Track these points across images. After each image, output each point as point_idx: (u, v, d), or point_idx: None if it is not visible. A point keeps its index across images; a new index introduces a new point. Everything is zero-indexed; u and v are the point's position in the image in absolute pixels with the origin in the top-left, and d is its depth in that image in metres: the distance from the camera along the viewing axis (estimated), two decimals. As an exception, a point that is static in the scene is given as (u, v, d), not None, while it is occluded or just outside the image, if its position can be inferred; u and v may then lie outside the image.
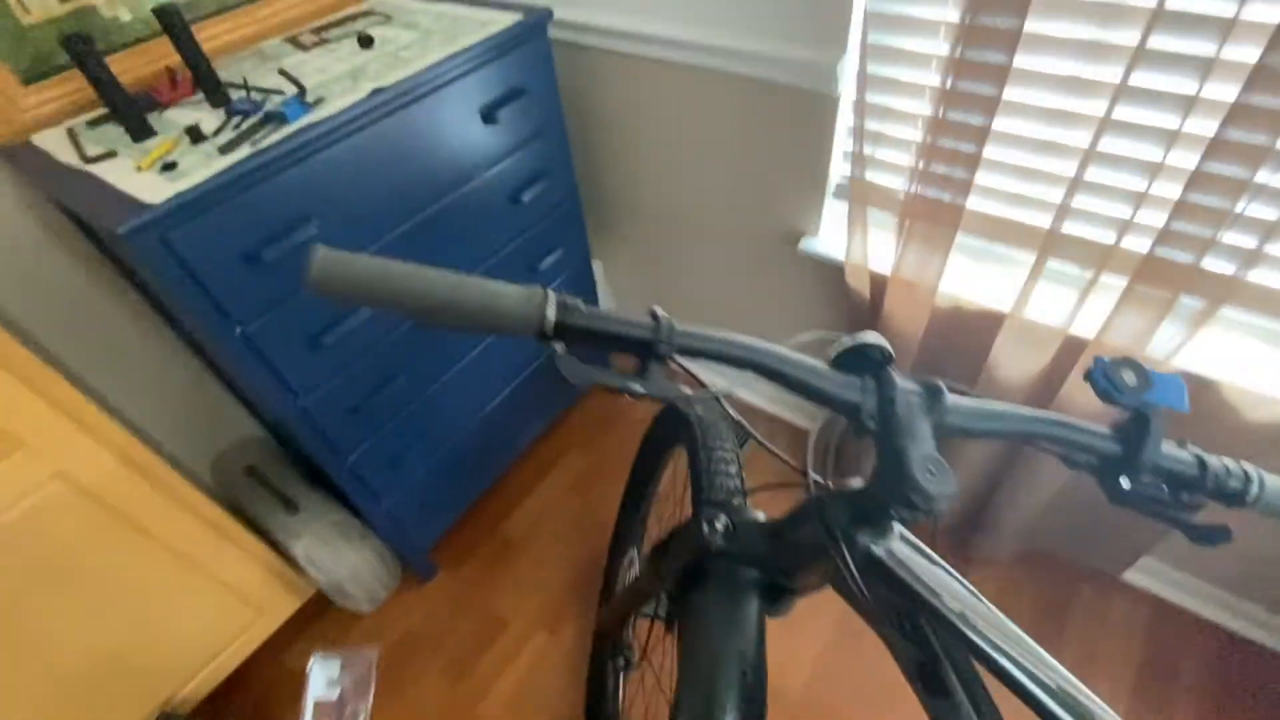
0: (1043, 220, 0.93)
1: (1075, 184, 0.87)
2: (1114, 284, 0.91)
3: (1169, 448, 0.45)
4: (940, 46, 0.90)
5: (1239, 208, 0.77)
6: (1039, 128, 0.88)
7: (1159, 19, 0.72)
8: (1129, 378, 0.45)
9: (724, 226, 1.41)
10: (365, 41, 1.04)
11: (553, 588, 1.43)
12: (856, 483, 0.48)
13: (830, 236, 1.25)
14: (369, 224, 0.99)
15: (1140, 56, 0.75)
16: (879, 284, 1.16)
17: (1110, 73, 0.80)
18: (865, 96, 0.95)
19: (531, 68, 1.13)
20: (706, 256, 1.51)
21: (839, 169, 1.18)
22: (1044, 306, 0.99)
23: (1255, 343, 0.92)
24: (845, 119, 1.11)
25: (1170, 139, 0.78)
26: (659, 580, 0.71)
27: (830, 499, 0.48)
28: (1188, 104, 0.75)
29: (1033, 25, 0.81)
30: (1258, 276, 0.82)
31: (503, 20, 1.06)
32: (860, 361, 0.46)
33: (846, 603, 0.55)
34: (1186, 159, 0.78)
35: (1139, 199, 0.83)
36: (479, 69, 1.03)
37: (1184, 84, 0.77)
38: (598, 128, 1.43)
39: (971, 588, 0.46)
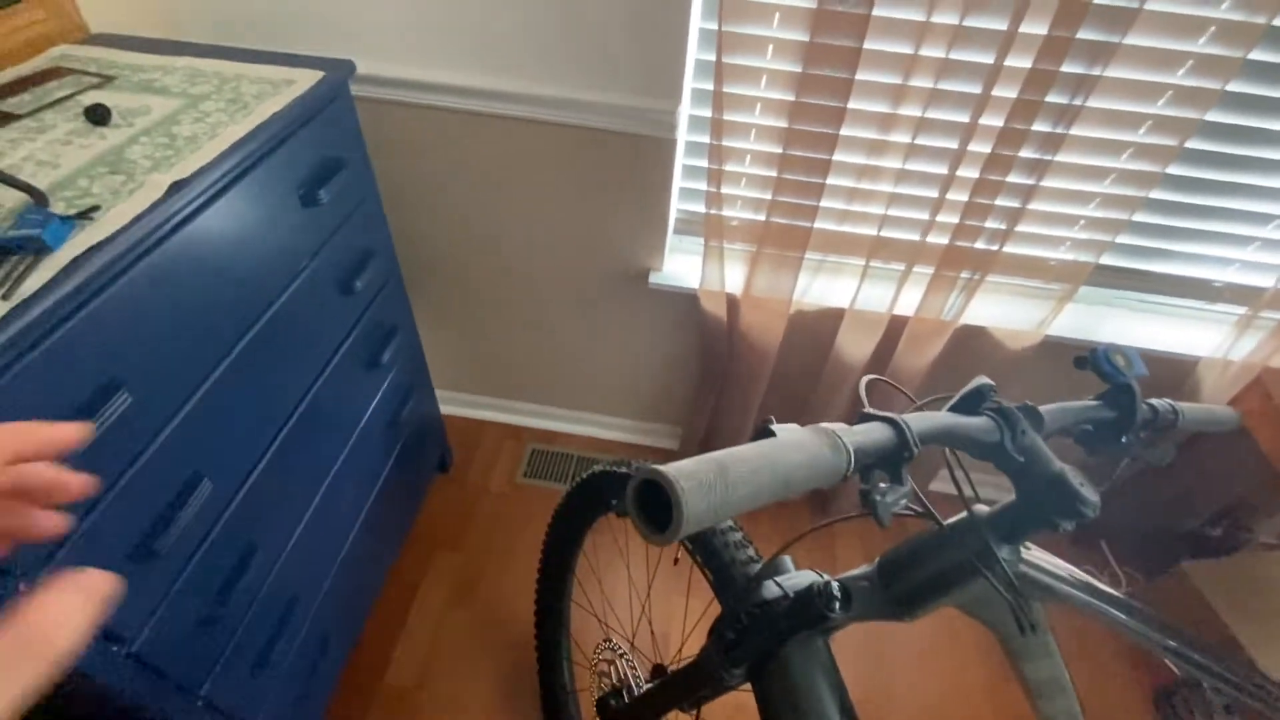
0: (869, 229, 1.12)
1: (891, 198, 1.07)
2: (921, 272, 1.15)
3: (1151, 404, 0.60)
4: (782, 92, 1.01)
5: (997, 201, 1.04)
6: (863, 158, 1.05)
7: (945, 69, 0.93)
8: (1120, 361, 0.58)
9: (565, 275, 1.36)
10: (96, 115, 0.73)
11: None
12: (985, 508, 0.53)
13: (676, 268, 1.31)
14: (188, 368, 0.71)
15: (933, 96, 0.96)
16: (733, 304, 1.26)
17: (913, 110, 0.99)
18: (722, 140, 1.02)
19: (341, 133, 0.94)
20: (548, 306, 1.44)
21: (678, 206, 1.25)
22: (872, 297, 1.19)
23: (1007, 296, 1.25)
24: (681, 159, 1.17)
25: (955, 158, 1.01)
26: (728, 667, 0.68)
27: (979, 522, 0.52)
28: (968, 131, 0.98)
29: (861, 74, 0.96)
30: (1009, 248, 1.12)
31: (305, 79, 0.85)
32: (973, 402, 0.50)
33: (976, 617, 0.60)
34: (968, 171, 1.02)
35: (936, 205, 1.06)
36: (286, 141, 0.82)
37: (961, 116, 1.00)
38: (412, 192, 1.25)
39: (1081, 573, 0.56)
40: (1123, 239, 1.14)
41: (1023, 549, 0.54)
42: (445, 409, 1.72)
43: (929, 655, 1.39)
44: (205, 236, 0.70)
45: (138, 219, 0.62)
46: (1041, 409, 0.52)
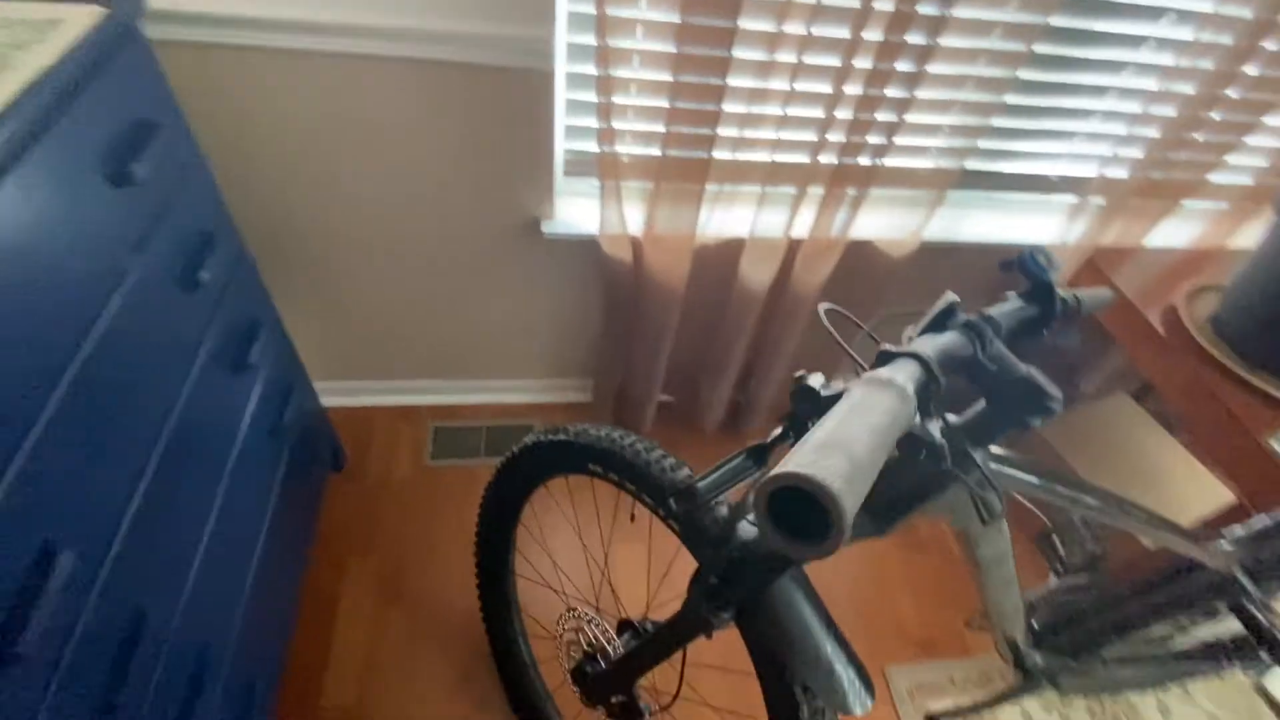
0: (763, 155, 1.11)
1: (782, 121, 1.06)
2: (812, 193, 1.17)
3: (1061, 295, 0.65)
4: (668, 14, 0.94)
5: (876, 115, 1.08)
6: (753, 81, 1.02)
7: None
8: (1042, 260, 0.62)
9: (445, 234, 1.23)
10: None
11: None
12: (956, 417, 0.55)
13: (570, 214, 1.23)
14: (1, 414, 0.54)
15: (816, 12, 0.94)
16: (637, 246, 1.21)
17: (798, 27, 0.97)
18: (609, 70, 0.94)
19: (144, 89, 0.74)
20: (430, 272, 1.30)
21: (565, 145, 1.15)
22: (769, 223, 1.21)
23: (887, 208, 1.31)
24: (564, 93, 1.07)
25: (839, 75, 1.01)
26: (716, 613, 0.68)
27: (957, 432, 0.54)
28: (850, 47, 0.98)
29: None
30: (887, 161, 1.17)
31: (77, 19, 0.65)
32: (944, 319, 0.51)
33: (940, 518, 0.63)
34: (851, 89, 1.03)
35: (824, 124, 1.07)
36: (72, 105, 0.63)
37: (843, 32, 0.99)
38: (249, 158, 1.04)
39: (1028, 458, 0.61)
40: (980, 144, 1.23)
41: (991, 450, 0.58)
42: (328, 401, 1.54)
43: (850, 548, 1.52)
44: (-15, 242, 0.52)
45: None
46: (994, 314, 0.54)
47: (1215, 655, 1.13)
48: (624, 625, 0.93)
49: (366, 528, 1.38)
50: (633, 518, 0.89)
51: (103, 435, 0.65)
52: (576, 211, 1.24)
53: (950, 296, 0.51)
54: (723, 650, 0.94)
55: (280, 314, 1.13)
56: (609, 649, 0.91)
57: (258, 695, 0.98)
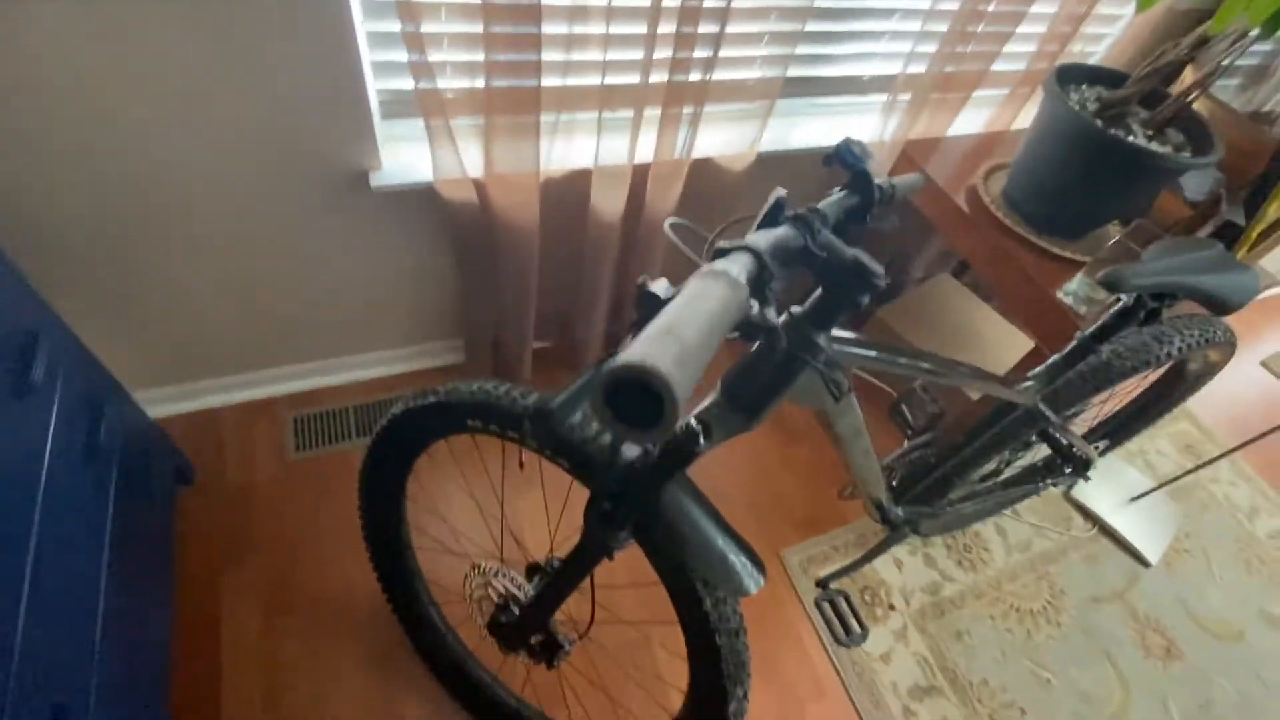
0: (594, 79, 1.07)
1: (608, 40, 1.03)
2: (649, 114, 1.16)
3: (878, 183, 0.70)
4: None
5: (700, 29, 1.08)
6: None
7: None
8: (857, 149, 0.66)
9: (257, 202, 1.09)
10: None
11: (353, 712, 1.14)
12: (799, 308, 0.59)
13: (400, 161, 1.14)
14: None
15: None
16: (481, 188, 1.15)
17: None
18: (410, -7, 0.85)
19: None
20: (248, 248, 1.16)
21: (377, 85, 1.05)
22: (612, 149, 1.19)
23: (723, 124, 1.34)
24: (362, 24, 0.96)
25: (656, -13, 0.99)
26: (614, 534, 0.71)
27: (800, 320, 0.57)
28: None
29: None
30: (717, 75, 1.18)
31: None
32: (773, 216, 0.54)
33: (801, 403, 0.68)
34: (671, 2, 1.02)
35: (649, 40, 1.05)
36: None
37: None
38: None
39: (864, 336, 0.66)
40: (799, 49, 1.27)
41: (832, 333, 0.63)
42: (160, 411, 1.36)
43: (730, 447, 1.62)
44: None
45: None
46: (820, 206, 0.58)
47: (1033, 478, 1.35)
48: (532, 569, 0.93)
49: (233, 539, 1.26)
50: (521, 465, 0.88)
51: None
52: (407, 158, 1.14)
53: (779, 192, 0.53)
54: (628, 569, 0.98)
55: (68, 323, 0.96)
56: (520, 595, 0.92)
57: (140, 738, 0.89)
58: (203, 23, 0.86)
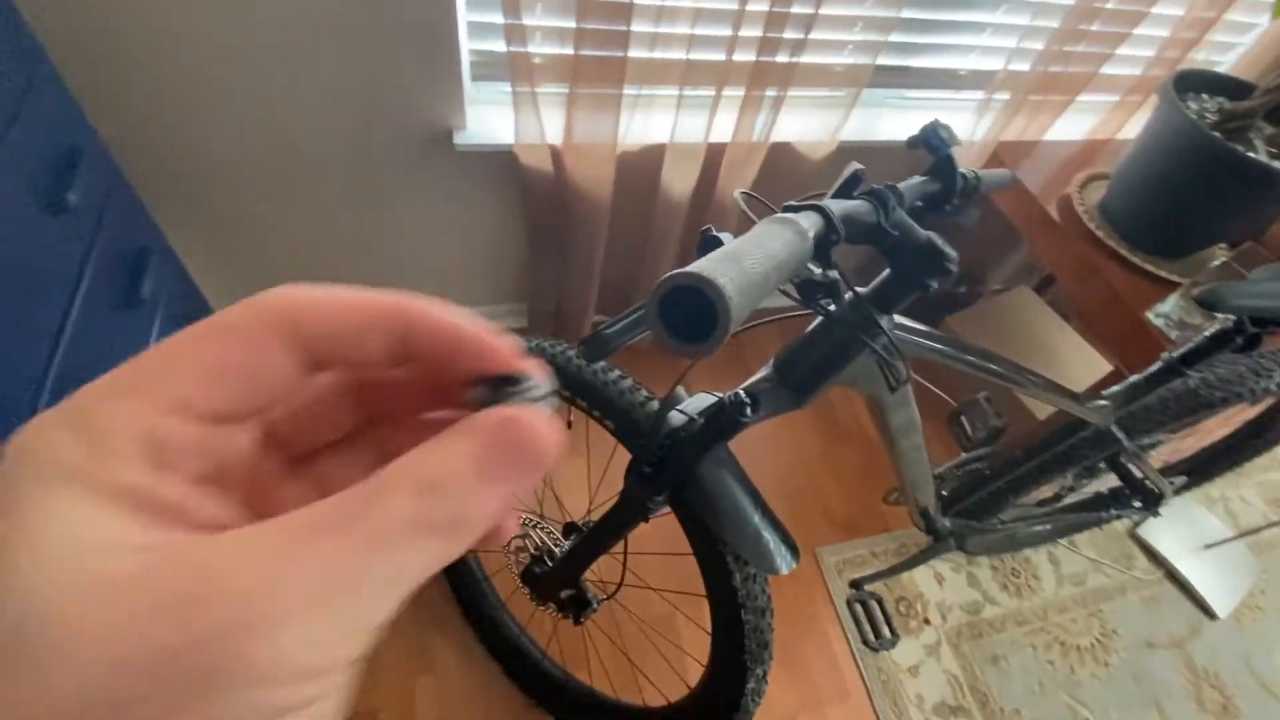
0: (679, 53, 1.07)
1: (697, 14, 1.03)
2: (731, 95, 1.16)
3: (961, 172, 0.68)
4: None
5: (792, 9, 1.06)
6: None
7: None
8: (944, 133, 0.64)
9: (351, 151, 1.15)
10: None
11: (390, 651, 1.20)
12: (863, 289, 0.58)
13: (484, 123, 1.17)
14: None
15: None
16: (557, 156, 1.17)
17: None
18: (511, -45, 0.87)
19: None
20: (337, 194, 1.22)
21: (471, 45, 1.08)
22: (689, 127, 1.19)
23: (806, 110, 1.31)
24: (462, -13, 0.99)
25: (752, -38, 0.98)
26: (651, 497, 0.72)
27: (863, 300, 0.57)
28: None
29: None
30: (804, 58, 1.16)
31: None
32: (848, 189, 0.53)
33: (854, 387, 0.67)
34: (764, -23, 1.00)
35: (738, 18, 1.04)
36: None
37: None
38: (105, 67, 0.92)
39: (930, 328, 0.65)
40: (893, 37, 1.23)
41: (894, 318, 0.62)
42: (240, 341, 1.45)
43: (774, 441, 1.61)
44: None
45: None
46: (899, 186, 0.57)
47: (1097, 508, 1.28)
48: (569, 528, 0.96)
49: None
50: (569, 424, 0.90)
51: (-23, 369, 0.60)
52: (491, 120, 1.18)
53: (855, 166, 0.52)
54: (662, 537, 0.99)
55: (177, 253, 1.04)
56: (555, 550, 0.94)
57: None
58: (317, -26, 0.91)
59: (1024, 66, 1.27)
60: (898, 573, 1.34)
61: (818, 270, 0.39)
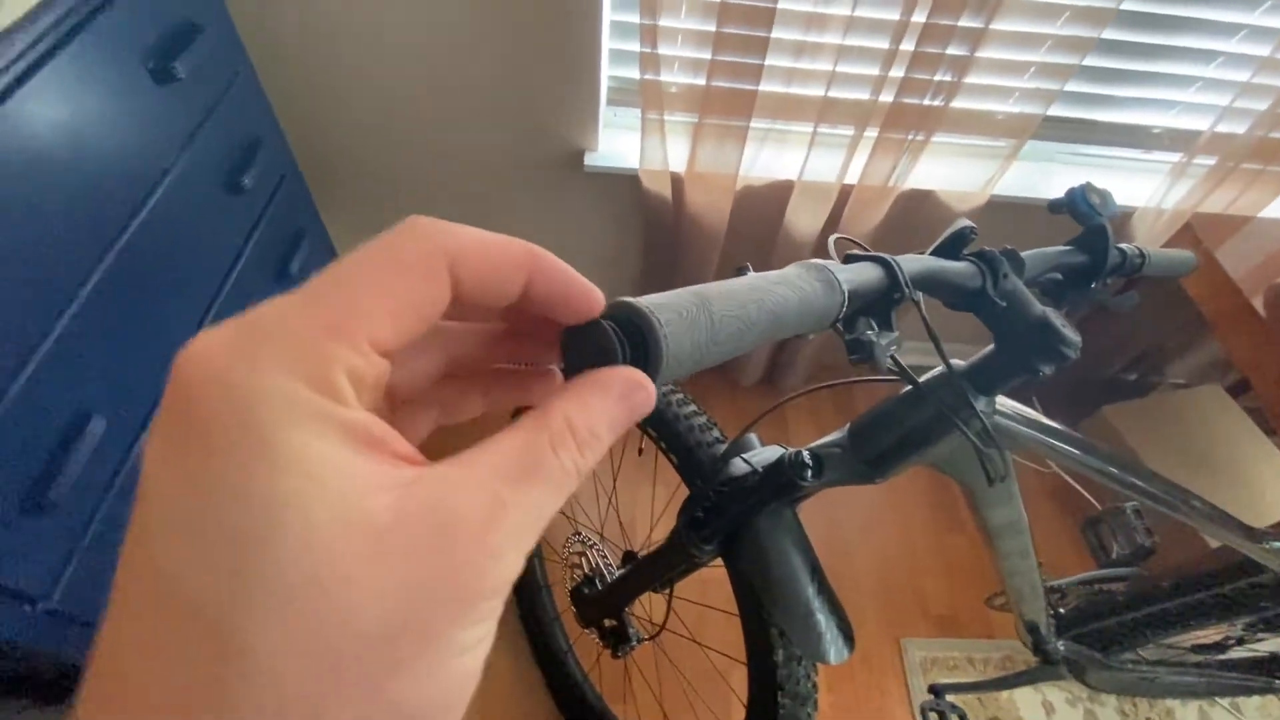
0: (817, 89, 1.03)
1: (840, 51, 0.99)
2: (872, 135, 1.09)
3: (1120, 247, 0.58)
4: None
5: (948, 50, 0.98)
6: (810, 5, 0.94)
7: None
8: (1095, 199, 0.55)
9: (489, 161, 1.23)
10: None
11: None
12: (961, 362, 0.51)
13: (614, 146, 1.20)
14: (43, 289, 0.59)
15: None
16: (678, 183, 1.18)
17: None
18: (654, -13, 0.89)
19: (189, -12, 0.76)
20: (472, 199, 1.32)
21: (610, 72, 1.12)
22: (820, 166, 1.13)
23: (953, 157, 1.21)
24: (609, 13, 1.03)
25: (909, 1, 0.92)
26: (699, 543, 0.68)
27: (957, 376, 0.50)
28: (919, -33, 0.89)
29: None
30: (957, 103, 1.07)
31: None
32: (953, 247, 0.47)
33: (944, 472, 0.59)
34: (920, 17, 0.94)
35: (887, 57, 0.98)
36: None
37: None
38: (295, 66, 1.07)
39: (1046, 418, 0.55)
40: (1070, 86, 1.10)
41: (997, 400, 0.53)
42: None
43: (879, 514, 1.47)
44: (30, 123, 0.56)
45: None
46: (1022, 254, 0.49)
47: (1271, 672, 1.03)
48: (627, 555, 0.94)
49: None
50: (640, 451, 0.88)
51: (139, 319, 0.70)
52: (620, 146, 1.21)
53: (964, 222, 0.46)
54: (719, 589, 0.94)
55: (328, 231, 1.17)
56: (607, 574, 0.92)
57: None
58: (486, 8, 0.99)
59: (1238, 128, 1.07)
60: (993, 689, 1.16)
61: (870, 330, 0.34)
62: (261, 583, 0.11)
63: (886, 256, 0.35)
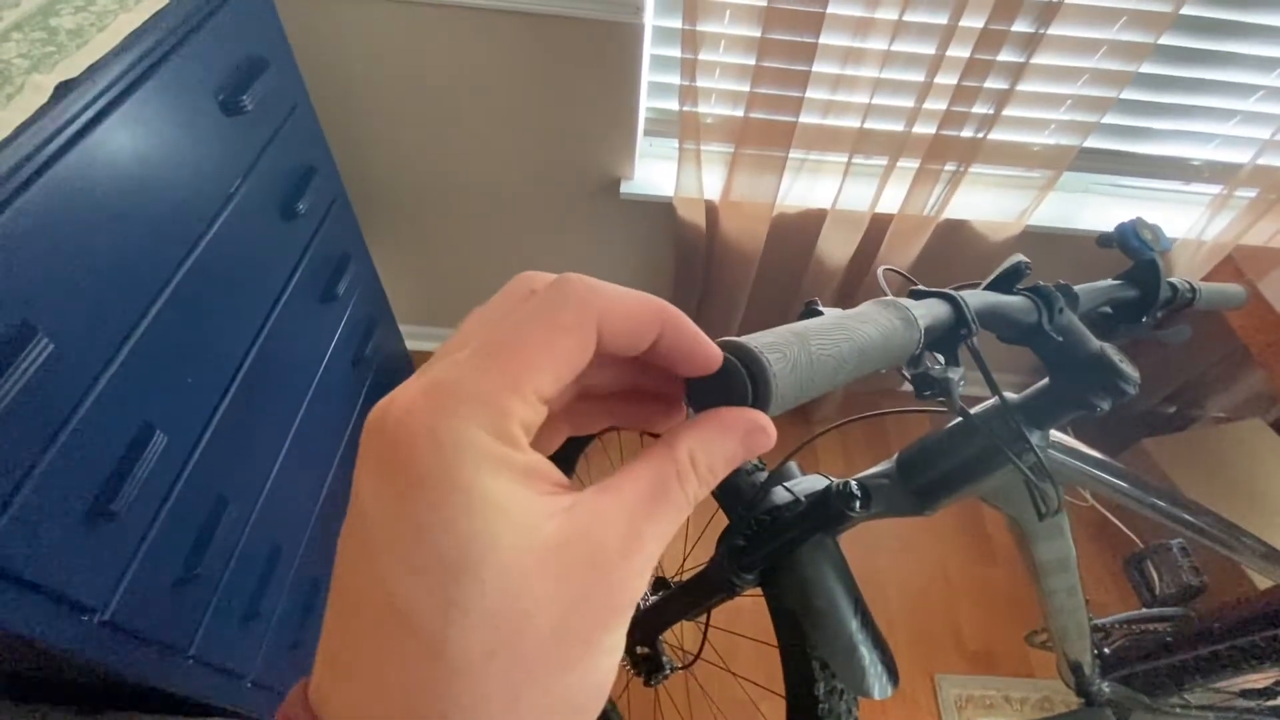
0: (853, 121, 1.05)
1: (877, 84, 1.00)
2: (905, 167, 1.10)
3: (1171, 281, 0.58)
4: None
5: (986, 83, 0.99)
6: (848, 40, 0.96)
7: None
8: (1147, 234, 0.55)
9: (528, 188, 1.26)
10: (-55, 5, 0.60)
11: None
12: (1015, 395, 0.51)
13: (649, 175, 1.23)
14: (116, 307, 0.62)
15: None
16: (712, 211, 1.19)
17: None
18: (695, 24, 0.92)
19: (258, 26, 0.81)
20: (511, 225, 1.35)
21: (648, 104, 1.15)
22: (854, 196, 1.14)
23: (989, 188, 1.21)
24: (649, 48, 1.06)
25: (945, 34, 0.94)
26: (739, 572, 0.67)
27: (1011, 409, 0.49)
28: (959, 3, 0.91)
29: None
30: (994, 135, 1.07)
31: (204, -44, 0.71)
32: (1008, 282, 0.47)
33: (993, 505, 0.59)
34: (957, 51, 0.95)
35: (924, 90, 0.99)
36: (194, 34, 0.69)
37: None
38: (346, 99, 1.11)
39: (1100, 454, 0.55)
40: (1108, 118, 1.10)
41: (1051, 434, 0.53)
42: (412, 345, 1.63)
43: (911, 543, 1.45)
44: (111, 151, 0.59)
45: (22, 129, 0.51)
46: (1076, 288, 0.49)
47: (1332, 721, 0.99)
48: (659, 583, 0.94)
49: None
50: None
51: (200, 338, 0.73)
52: (655, 174, 1.23)
53: (1018, 257, 0.46)
54: (757, 623, 0.93)
55: (371, 254, 1.20)
56: (640, 601, 0.92)
57: (322, 590, 1.08)
58: (531, 42, 1.02)
59: (1281, 161, 1.07)
60: (1033, 731, 1.13)
61: (936, 365, 0.34)
62: (465, 600, 0.13)
63: (953, 293, 0.35)
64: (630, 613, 0.16)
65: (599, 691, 0.15)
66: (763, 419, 0.19)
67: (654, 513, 0.16)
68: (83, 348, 0.57)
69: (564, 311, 0.16)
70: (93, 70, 0.57)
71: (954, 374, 0.34)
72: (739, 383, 0.19)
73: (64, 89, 0.55)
